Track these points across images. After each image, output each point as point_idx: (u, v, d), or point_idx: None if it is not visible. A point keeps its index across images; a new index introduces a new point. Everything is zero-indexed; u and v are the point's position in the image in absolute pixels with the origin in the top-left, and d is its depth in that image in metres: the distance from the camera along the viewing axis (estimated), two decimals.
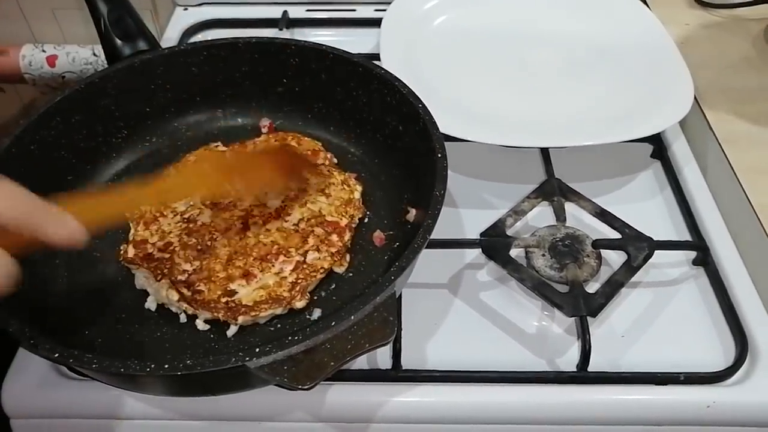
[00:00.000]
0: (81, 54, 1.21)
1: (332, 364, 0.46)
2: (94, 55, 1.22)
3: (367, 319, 0.48)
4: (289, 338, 0.46)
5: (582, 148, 0.78)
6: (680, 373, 0.60)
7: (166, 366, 0.45)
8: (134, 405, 0.59)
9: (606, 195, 0.76)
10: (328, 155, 0.73)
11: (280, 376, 0.45)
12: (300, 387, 0.45)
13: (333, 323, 0.47)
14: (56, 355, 0.47)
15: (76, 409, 0.60)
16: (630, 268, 0.66)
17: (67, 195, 0.49)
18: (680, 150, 0.81)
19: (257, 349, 0.46)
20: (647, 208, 0.77)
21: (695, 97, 0.79)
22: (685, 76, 0.81)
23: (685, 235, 0.73)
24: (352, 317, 0.48)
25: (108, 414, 0.60)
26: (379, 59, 0.80)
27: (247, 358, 0.45)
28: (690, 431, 0.60)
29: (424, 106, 0.65)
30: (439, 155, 0.60)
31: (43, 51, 1.21)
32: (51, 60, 1.21)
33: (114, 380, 0.52)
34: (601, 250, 0.69)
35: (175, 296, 0.60)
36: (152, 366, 0.45)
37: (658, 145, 0.82)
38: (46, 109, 0.66)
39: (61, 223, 0.43)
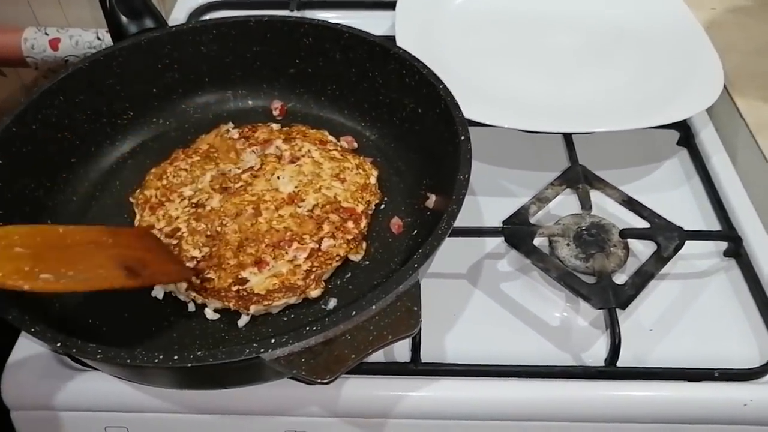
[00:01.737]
0: (84, 37, 1.18)
1: (353, 356, 0.44)
2: (98, 38, 1.19)
3: (389, 309, 0.46)
4: (307, 328, 0.44)
5: (606, 134, 0.75)
6: (714, 369, 0.57)
7: (176, 357, 0.42)
8: (140, 397, 0.56)
9: (630, 183, 0.73)
10: (343, 141, 0.70)
11: (297, 368, 0.43)
12: (319, 381, 0.42)
13: (354, 313, 0.44)
14: (59, 344, 0.44)
15: (79, 401, 0.57)
16: (660, 259, 0.63)
17: None
18: (708, 137, 0.78)
19: (273, 340, 0.43)
20: (673, 197, 0.74)
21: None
22: (714, 61, 0.78)
23: (714, 226, 0.70)
24: (374, 306, 0.45)
25: (112, 407, 0.57)
26: (393, 42, 0.76)
27: (263, 350, 0.43)
28: (724, 430, 0.57)
29: (445, 87, 0.62)
30: (463, 138, 0.57)
31: (46, 34, 1.18)
32: (54, 43, 1.18)
33: (119, 371, 0.50)
34: (628, 240, 0.66)
35: (184, 286, 0.57)
36: (161, 357, 0.43)
37: (684, 132, 0.79)
38: (48, 87, 0.63)
39: None
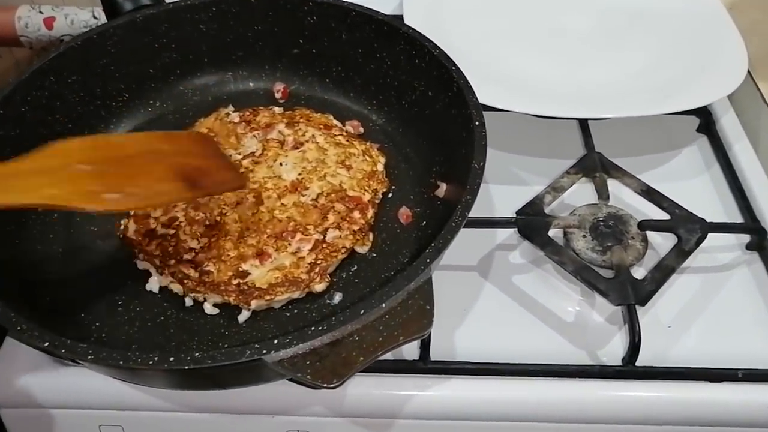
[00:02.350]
0: (80, 16, 1.14)
1: (361, 359, 0.41)
2: (94, 17, 1.15)
3: (400, 308, 0.43)
4: (313, 329, 0.41)
5: (623, 120, 0.72)
6: (738, 369, 0.55)
7: (172, 359, 0.40)
8: (135, 395, 0.54)
9: (649, 171, 0.71)
10: (348, 126, 0.67)
11: (301, 372, 0.40)
12: (325, 385, 0.40)
13: (363, 311, 0.42)
14: (46, 343, 0.41)
15: (73, 398, 0.55)
16: (681, 252, 0.60)
17: None
18: (730, 124, 0.75)
19: (275, 341, 0.40)
20: (693, 187, 0.71)
21: None
22: (737, 43, 0.75)
23: (736, 217, 0.68)
24: (384, 305, 0.42)
25: (107, 404, 0.55)
26: (402, 21, 0.73)
27: (265, 351, 0.40)
28: None
29: (458, 68, 0.59)
30: (477, 123, 0.54)
31: (40, 12, 1.14)
32: (48, 22, 1.15)
33: (112, 372, 0.47)
34: (647, 232, 0.63)
35: (180, 288, 0.55)
36: (155, 358, 0.40)
37: (705, 119, 0.76)
38: (39, 67, 0.60)
39: None
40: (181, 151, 0.53)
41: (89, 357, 0.40)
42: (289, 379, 0.45)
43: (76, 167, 0.46)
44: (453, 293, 0.60)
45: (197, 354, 0.40)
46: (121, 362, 0.40)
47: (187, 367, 0.40)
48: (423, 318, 0.43)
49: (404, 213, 0.61)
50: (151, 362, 0.40)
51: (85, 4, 1.14)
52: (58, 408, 0.55)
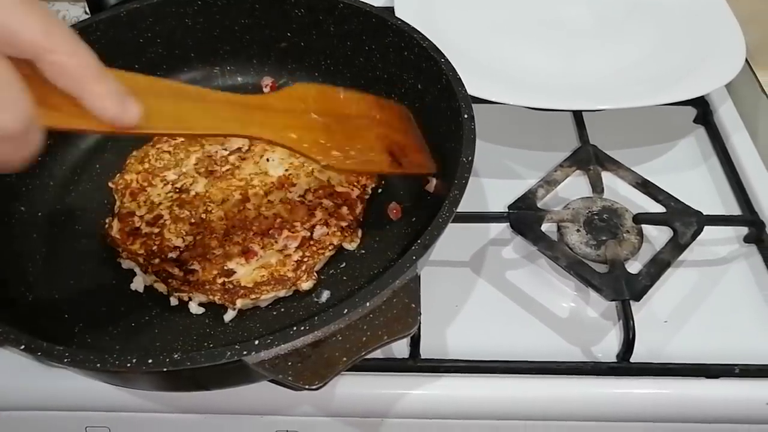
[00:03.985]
0: (71, 12, 1.14)
1: (344, 359, 0.40)
2: (86, 12, 1.14)
3: (385, 306, 0.42)
4: (294, 329, 0.40)
5: (618, 111, 0.70)
6: (735, 364, 0.54)
7: (150, 361, 0.39)
8: (122, 396, 0.53)
9: (644, 164, 0.69)
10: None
11: (283, 373, 0.39)
12: (306, 387, 0.39)
13: (346, 311, 0.41)
14: (22, 346, 0.40)
15: (58, 400, 0.54)
16: (677, 246, 0.59)
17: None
18: (727, 114, 0.74)
19: (257, 342, 0.39)
20: (690, 179, 0.70)
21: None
22: (735, 32, 0.73)
23: (734, 209, 0.66)
24: (368, 303, 0.41)
25: (93, 406, 0.54)
26: (392, 13, 0.72)
27: (245, 353, 0.39)
28: (746, 429, 0.54)
29: (447, 60, 0.58)
30: (466, 116, 0.53)
31: None
32: None
33: (93, 375, 0.46)
34: (642, 226, 0.62)
35: (164, 288, 0.54)
36: (134, 361, 0.39)
37: (702, 109, 0.74)
38: None
39: (115, 99, 0.36)
40: (388, 122, 0.53)
41: (66, 360, 0.40)
42: (271, 381, 0.44)
43: (312, 116, 0.47)
44: (444, 289, 0.59)
45: (176, 356, 0.39)
46: (99, 365, 0.39)
47: (165, 370, 0.39)
48: (408, 317, 0.42)
49: (393, 208, 0.60)
50: (129, 365, 0.39)
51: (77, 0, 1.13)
52: (44, 410, 0.54)
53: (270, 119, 0.45)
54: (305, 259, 0.54)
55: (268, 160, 0.61)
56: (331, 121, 0.48)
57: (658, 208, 0.63)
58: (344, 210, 0.58)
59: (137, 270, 0.55)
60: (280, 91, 0.46)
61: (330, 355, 0.40)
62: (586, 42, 0.77)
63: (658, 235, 0.62)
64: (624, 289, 0.55)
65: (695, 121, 0.75)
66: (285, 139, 0.46)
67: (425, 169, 0.56)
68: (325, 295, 0.54)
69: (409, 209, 0.60)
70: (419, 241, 0.45)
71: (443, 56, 0.58)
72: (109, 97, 0.36)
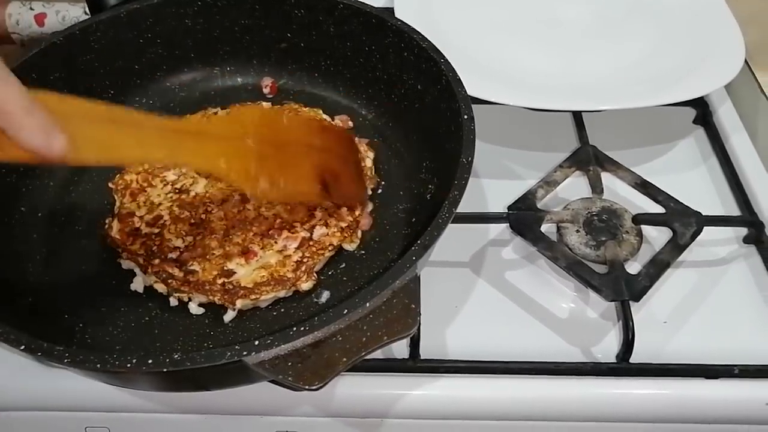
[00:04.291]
0: (72, 13, 1.13)
1: (344, 360, 0.40)
2: (86, 13, 1.14)
3: (385, 307, 0.42)
4: (294, 329, 0.40)
5: (617, 112, 0.70)
6: (734, 365, 0.54)
7: (150, 361, 0.39)
8: (122, 396, 0.53)
9: (644, 165, 0.69)
10: (338, 120, 0.66)
11: (283, 374, 0.39)
12: (306, 387, 0.39)
13: (345, 311, 0.41)
14: (22, 346, 0.40)
15: (58, 400, 0.53)
16: (676, 246, 0.59)
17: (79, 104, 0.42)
18: (727, 115, 0.74)
19: (257, 342, 0.39)
20: (690, 180, 0.70)
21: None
22: (734, 33, 0.73)
23: (734, 210, 0.66)
24: (368, 304, 0.41)
25: (93, 406, 0.54)
26: (391, 14, 0.72)
27: (245, 353, 0.39)
28: (745, 430, 0.54)
29: (447, 61, 0.58)
30: (465, 117, 0.53)
31: (31, 9, 1.13)
32: (39, 18, 1.14)
33: (93, 375, 0.46)
34: (642, 226, 0.62)
35: (164, 288, 0.54)
36: (134, 361, 0.39)
37: (701, 110, 0.74)
38: (20, 64, 0.59)
39: (40, 132, 0.37)
40: (328, 148, 0.54)
41: (66, 360, 0.40)
42: (271, 381, 0.44)
43: (248, 142, 0.47)
44: (444, 290, 0.59)
45: (176, 356, 0.39)
46: (99, 365, 0.39)
47: (165, 370, 0.39)
48: (408, 317, 0.42)
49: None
50: (129, 365, 0.39)
51: (77, 0, 1.13)
52: (44, 410, 0.54)
53: (201, 146, 0.46)
54: (305, 260, 0.54)
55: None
56: (267, 147, 0.49)
57: (657, 209, 0.63)
58: (344, 211, 0.58)
59: (137, 270, 0.55)
60: (220, 115, 0.47)
61: (330, 355, 0.40)
62: (586, 42, 0.77)
63: (657, 236, 0.62)
64: (623, 290, 0.55)
65: (695, 121, 0.75)
66: (213, 168, 0.46)
67: (355, 201, 0.57)
68: (325, 295, 0.54)
69: (409, 210, 0.60)
70: (419, 242, 0.45)
71: (443, 57, 0.58)
72: (35, 131, 0.37)
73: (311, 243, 0.55)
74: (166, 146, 0.44)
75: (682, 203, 0.62)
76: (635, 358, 0.54)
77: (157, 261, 0.54)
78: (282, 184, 0.49)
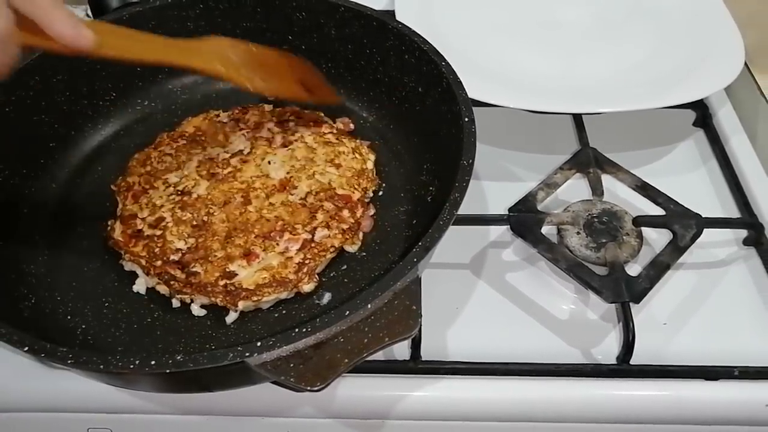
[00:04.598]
0: None
1: (346, 361, 0.40)
2: (87, 15, 1.14)
3: (386, 308, 0.42)
4: (296, 330, 0.40)
5: (618, 114, 0.71)
6: (734, 366, 0.54)
7: (153, 362, 0.39)
8: (124, 398, 0.53)
9: (644, 167, 0.70)
10: (339, 123, 0.66)
11: (285, 375, 0.39)
12: (308, 388, 0.39)
13: (347, 312, 0.41)
14: (26, 347, 0.40)
15: (60, 401, 0.54)
16: (676, 248, 0.59)
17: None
18: (727, 118, 0.74)
19: (259, 344, 0.39)
20: (689, 182, 0.70)
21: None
22: (734, 35, 0.73)
23: (733, 212, 0.67)
24: (369, 305, 0.42)
25: (95, 407, 0.54)
26: (392, 16, 0.72)
27: (248, 354, 0.39)
28: (745, 431, 0.54)
29: (447, 64, 0.58)
30: (466, 119, 0.53)
31: None
32: None
33: (96, 376, 0.46)
34: (642, 228, 0.62)
35: (166, 290, 0.54)
36: (137, 362, 0.39)
37: (701, 112, 0.75)
38: (23, 67, 0.59)
39: (70, 24, 0.44)
40: (295, 65, 0.62)
41: (69, 361, 0.40)
42: (273, 382, 0.45)
43: (231, 56, 0.57)
44: (445, 292, 0.60)
45: (179, 357, 0.39)
46: (102, 366, 0.39)
47: (168, 371, 0.39)
48: (409, 318, 0.42)
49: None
50: (132, 366, 0.39)
51: (79, 2, 1.13)
52: (46, 411, 0.54)
53: (202, 56, 0.55)
54: (306, 262, 0.54)
55: (269, 162, 0.61)
56: (248, 62, 0.57)
57: (657, 211, 0.63)
58: (345, 213, 0.58)
59: (139, 272, 0.55)
60: (198, 39, 0.56)
61: (332, 356, 0.40)
62: (586, 45, 0.78)
63: (657, 238, 0.62)
64: (624, 292, 0.56)
65: (694, 124, 0.75)
66: (216, 70, 0.55)
67: (332, 99, 0.65)
68: (327, 297, 0.54)
69: (410, 212, 0.60)
70: (420, 243, 0.45)
71: (444, 59, 0.59)
72: (65, 22, 0.43)
73: (313, 245, 0.55)
74: (174, 52, 0.54)
75: (682, 205, 0.62)
76: (635, 360, 0.54)
77: (159, 263, 0.55)
78: (274, 82, 0.59)
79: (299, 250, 0.55)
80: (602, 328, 0.58)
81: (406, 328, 0.42)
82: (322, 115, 0.67)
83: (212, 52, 0.56)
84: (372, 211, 0.60)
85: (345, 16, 0.65)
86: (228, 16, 0.68)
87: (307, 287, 0.54)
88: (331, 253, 0.55)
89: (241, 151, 0.63)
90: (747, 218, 0.65)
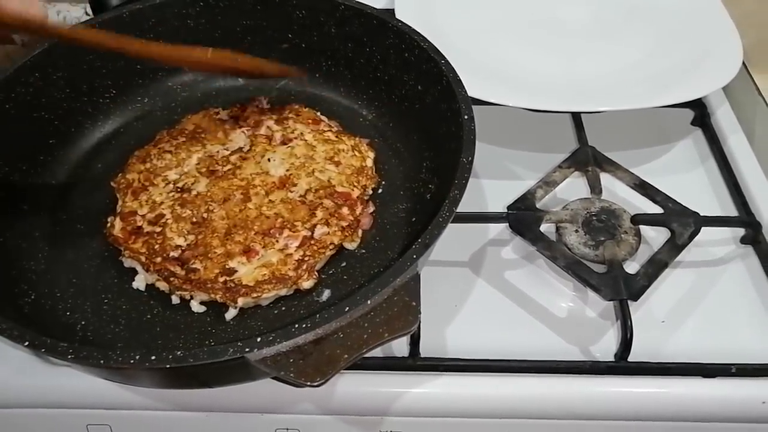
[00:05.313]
0: (72, 13, 1.14)
1: (346, 356, 0.40)
2: (86, 13, 1.14)
3: (386, 304, 0.42)
4: (296, 326, 0.40)
5: (616, 113, 0.71)
6: (731, 364, 0.54)
7: (153, 358, 0.39)
8: (123, 394, 0.53)
9: (642, 165, 0.70)
10: (333, 122, 0.67)
11: (285, 370, 0.39)
12: (308, 383, 0.39)
13: (347, 308, 0.41)
14: (27, 342, 0.41)
15: (60, 398, 0.54)
16: (674, 246, 0.59)
17: None
18: (725, 117, 0.74)
19: (259, 339, 0.40)
20: (688, 180, 0.70)
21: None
22: (731, 35, 0.74)
23: (731, 211, 0.67)
24: (369, 301, 0.42)
25: (95, 404, 0.54)
26: (392, 15, 0.72)
27: (247, 349, 0.39)
28: (742, 428, 0.54)
29: (447, 62, 0.58)
30: (466, 117, 0.54)
31: None
32: None
33: (96, 372, 0.46)
34: (640, 226, 0.62)
35: (166, 286, 0.54)
36: (137, 357, 0.39)
37: (699, 111, 0.75)
38: (23, 64, 0.60)
39: None
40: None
41: (69, 356, 0.40)
42: (273, 378, 0.45)
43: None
44: (444, 289, 0.60)
45: (179, 353, 0.39)
46: (102, 361, 0.40)
47: (168, 366, 0.39)
48: (409, 315, 0.42)
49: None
50: (132, 361, 0.39)
51: (79, 0, 1.13)
52: (46, 408, 0.54)
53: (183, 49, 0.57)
54: (306, 258, 0.54)
55: (269, 160, 0.61)
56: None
57: (655, 209, 0.63)
58: (344, 210, 0.58)
59: (139, 268, 0.55)
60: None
61: (331, 352, 0.40)
62: (585, 44, 0.78)
63: (655, 236, 0.63)
64: (622, 289, 0.56)
65: (693, 123, 0.75)
66: (190, 55, 0.58)
67: (296, 73, 0.67)
68: (326, 294, 0.55)
69: (409, 210, 0.60)
70: (420, 240, 0.45)
71: (443, 58, 0.59)
72: None
73: (312, 242, 0.56)
74: (153, 49, 0.56)
75: (680, 204, 0.63)
76: (633, 357, 0.54)
77: (159, 259, 0.55)
78: (256, 61, 0.61)
79: (299, 247, 0.55)
80: (600, 325, 0.58)
81: (405, 324, 0.42)
82: (318, 114, 0.67)
83: (192, 48, 0.58)
84: (371, 209, 0.60)
85: (345, 14, 0.66)
86: (228, 14, 0.68)
87: (307, 284, 0.54)
88: (330, 250, 0.56)
89: (240, 149, 0.63)
90: (744, 217, 0.65)
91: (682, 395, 0.53)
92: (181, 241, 0.56)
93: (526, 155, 0.71)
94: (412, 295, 0.43)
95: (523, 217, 0.61)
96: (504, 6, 0.83)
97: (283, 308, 0.54)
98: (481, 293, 0.60)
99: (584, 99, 0.69)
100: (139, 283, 0.55)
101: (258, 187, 0.59)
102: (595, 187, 0.65)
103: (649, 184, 0.65)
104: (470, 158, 0.51)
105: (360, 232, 0.58)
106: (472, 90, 0.61)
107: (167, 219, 0.57)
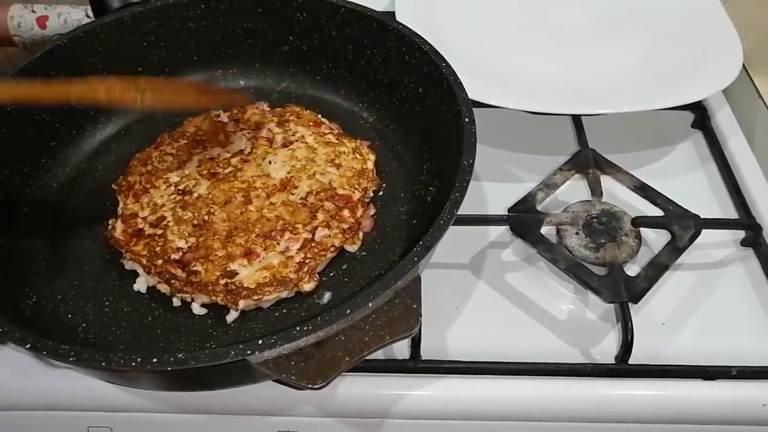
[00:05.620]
0: (73, 15, 1.14)
1: (347, 359, 0.40)
2: (88, 16, 1.14)
3: (387, 307, 0.42)
4: (298, 328, 0.40)
5: (617, 116, 0.71)
6: (732, 366, 0.54)
7: (155, 360, 0.39)
8: (124, 396, 0.53)
9: (643, 168, 0.70)
10: (334, 125, 0.67)
11: (286, 373, 0.39)
12: (310, 386, 0.39)
13: (348, 311, 0.41)
14: (28, 345, 0.41)
15: (61, 400, 0.54)
16: (675, 249, 0.59)
17: None
18: (725, 119, 0.74)
19: (260, 341, 0.40)
20: (688, 183, 0.70)
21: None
22: (732, 38, 0.74)
23: (731, 213, 0.67)
24: (370, 304, 0.42)
25: (96, 406, 0.54)
26: (393, 17, 0.72)
27: (249, 352, 0.39)
28: (743, 431, 0.54)
29: (448, 64, 0.58)
30: (467, 119, 0.54)
31: (33, 12, 1.14)
32: (41, 21, 1.14)
33: (97, 374, 0.46)
34: (641, 229, 0.62)
35: (167, 288, 0.54)
36: (138, 360, 0.39)
37: (700, 114, 0.75)
38: (24, 66, 0.60)
39: None
40: (196, 85, 0.65)
41: (71, 358, 0.40)
42: (274, 380, 0.45)
43: (116, 83, 0.54)
44: (445, 292, 0.60)
45: (180, 355, 0.39)
46: (104, 363, 0.40)
47: (170, 369, 0.39)
48: (410, 317, 0.42)
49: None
50: (133, 363, 0.39)
51: (79, 2, 1.13)
52: (47, 410, 0.54)
53: (85, 85, 0.53)
54: (307, 261, 0.55)
55: (270, 162, 0.62)
56: (136, 84, 0.55)
57: (656, 212, 0.63)
58: (345, 212, 0.58)
59: (140, 271, 0.56)
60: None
61: (332, 354, 0.40)
62: (586, 47, 0.78)
63: (656, 239, 0.63)
64: (622, 292, 0.56)
65: (693, 125, 0.75)
66: (94, 94, 0.53)
67: (239, 101, 0.68)
68: (327, 296, 0.55)
69: (410, 212, 0.60)
70: (421, 242, 0.45)
71: (444, 60, 0.59)
72: None
73: (313, 244, 0.56)
74: (54, 90, 0.52)
75: (680, 206, 0.63)
76: (634, 360, 0.54)
77: (160, 262, 0.55)
78: (166, 94, 0.57)
79: (300, 249, 0.55)
80: (601, 328, 0.58)
81: (406, 327, 0.42)
82: (319, 115, 0.67)
83: (96, 81, 0.54)
84: (372, 211, 0.60)
85: (346, 16, 0.66)
86: (229, 17, 0.69)
87: (308, 286, 0.54)
88: (331, 252, 0.56)
89: (241, 151, 0.63)
90: (745, 219, 0.65)
91: (682, 398, 0.53)
92: (182, 244, 0.56)
93: (526, 158, 0.71)
94: (413, 298, 0.43)
95: (523, 220, 0.62)
96: (504, 9, 0.83)
97: (284, 310, 0.54)
98: (481, 295, 0.60)
99: (584, 101, 0.70)
100: (140, 285, 0.55)
101: (259, 189, 0.59)
102: (596, 190, 0.65)
103: (650, 186, 0.65)
104: (471, 161, 0.51)
105: (361, 234, 0.58)
106: (473, 92, 0.61)
107: (168, 221, 0.57)
